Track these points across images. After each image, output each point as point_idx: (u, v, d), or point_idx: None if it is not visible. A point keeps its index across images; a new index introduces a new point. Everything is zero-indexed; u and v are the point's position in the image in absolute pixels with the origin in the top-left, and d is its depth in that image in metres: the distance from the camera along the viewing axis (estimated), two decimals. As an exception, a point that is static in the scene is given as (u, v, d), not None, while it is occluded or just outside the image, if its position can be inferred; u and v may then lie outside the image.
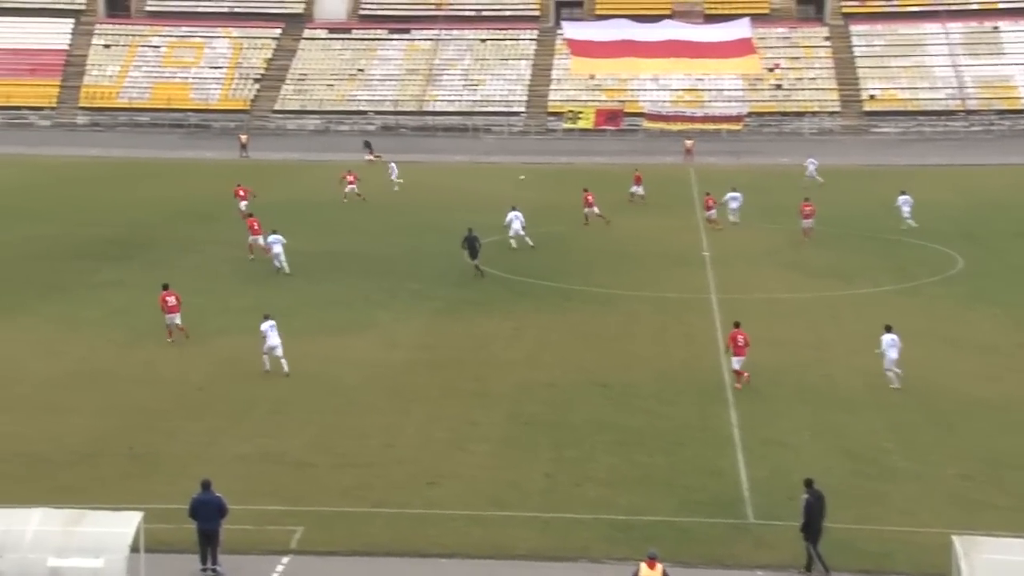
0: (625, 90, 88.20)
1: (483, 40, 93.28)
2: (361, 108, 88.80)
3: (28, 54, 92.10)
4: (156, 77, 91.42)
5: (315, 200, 57.83)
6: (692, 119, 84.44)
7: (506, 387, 29.77)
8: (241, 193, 53.74)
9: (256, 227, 44.63)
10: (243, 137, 76.58)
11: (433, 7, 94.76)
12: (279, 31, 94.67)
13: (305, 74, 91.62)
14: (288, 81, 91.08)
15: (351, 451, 25.56)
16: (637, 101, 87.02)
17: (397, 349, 33.10)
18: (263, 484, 23.73)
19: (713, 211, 51.41)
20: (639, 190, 57.00)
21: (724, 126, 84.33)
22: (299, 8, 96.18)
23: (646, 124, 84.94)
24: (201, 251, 45.70)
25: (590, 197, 51.30)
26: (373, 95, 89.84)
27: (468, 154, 76.05)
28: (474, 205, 53.18)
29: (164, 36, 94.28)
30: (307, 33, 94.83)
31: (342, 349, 32.96)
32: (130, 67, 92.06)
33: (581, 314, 36.99)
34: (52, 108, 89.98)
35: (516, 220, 45.85)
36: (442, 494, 23.44)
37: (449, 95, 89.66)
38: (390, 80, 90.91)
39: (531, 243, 45.79)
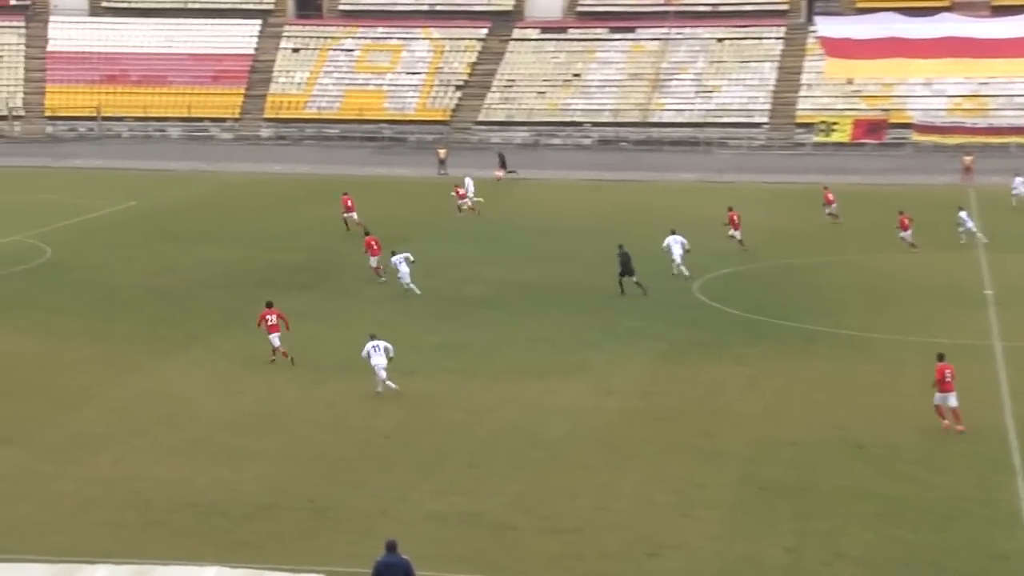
0: (890, 97, 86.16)
1: (720, 39, 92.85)
2: (576, 119, 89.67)
3: (211, 59, 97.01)
4: (348, 84, 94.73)
5: (520, 223, 58.62)
6: (973, 131, 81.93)
7: (740, 444, 29.39)
8: (349, 203, 56.20)
9: (375, 246, 46.27)
10: (442, 151, 78.26)
11: (662, 2, 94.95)
12: (485, 31, 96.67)
13: (513, 80, 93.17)
14: (494, 88, 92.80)
15: (558, 513, 25.64)
16: (905, 110, 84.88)
17: (612, 396, 33.11)
18: (457, 548, 24.03)
19: (909, 231, 51.13)
20: (832, 209, 57.67)
21: (1014, 139, 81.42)
22: (508, 5, 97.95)
23: (915, 137, 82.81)
24: (391, 279, 46.87)
25: (735, 216, 52.09)
26: (590, 103, 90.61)
27: (698, 172, 75.68)
28: (703, 230, 52.83)
29: (358, 38, 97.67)
30: (516, 33, 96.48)
31: (548, 395, 33.17)
32: (320, 73, 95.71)
33: (830, 361, 36.20)
34: (235, 120, 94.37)
35: (676, 245, 46.48)
36: (663, 567, 23.24)
37: (678, 103, 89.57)
38: (610, 86, 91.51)
39: (686, 273, 46.26)
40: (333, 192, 67.64)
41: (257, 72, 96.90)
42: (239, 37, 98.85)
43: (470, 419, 31.18)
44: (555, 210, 61.90)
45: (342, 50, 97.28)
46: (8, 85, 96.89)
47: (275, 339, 35.61)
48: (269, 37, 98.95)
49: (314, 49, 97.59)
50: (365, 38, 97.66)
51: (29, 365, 35.87)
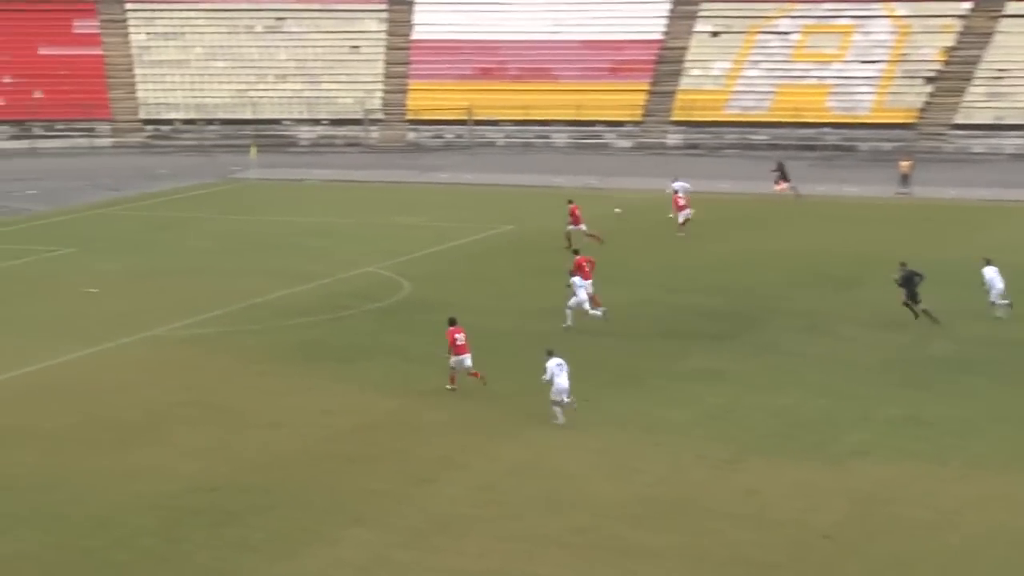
0: None
1: None
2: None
3: (608, 48, 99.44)
4: (781, 77, 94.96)
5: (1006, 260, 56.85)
6: None
7: None
8: (577, 213, 60.55)
9: (587, 269, 48.73)
10: (904, 164, 77.24)
11: None
12: (968, 6, 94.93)
13: (1005, 70, 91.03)
14: (978, 81, 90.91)
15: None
16: None
17: None
18: None
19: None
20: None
21: None
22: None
23: None
24: (834, 332, 46.42)
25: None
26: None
27: None
28: None
29: (796, 17, 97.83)
30: (1011, 8, 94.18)
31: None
32: (745, 63, 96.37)
33: None
34: (636, 123, 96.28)
35: (997, 279, 47.61)
36: None
37: None
38: None
39: (1000, 313, 47.12)
40: (757, 217, 67.67)
41: (665, 63, 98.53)
42: (643, 19, 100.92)
43: (939, 519, 30.43)
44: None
45: (775, 33, 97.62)
46: (366, 82, 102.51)
47: (467, 360, 39.86)
48: (681, 18, 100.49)
49: (739, 32, 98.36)
50: (806, 17, 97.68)
51: (382, 427, 37.59)
